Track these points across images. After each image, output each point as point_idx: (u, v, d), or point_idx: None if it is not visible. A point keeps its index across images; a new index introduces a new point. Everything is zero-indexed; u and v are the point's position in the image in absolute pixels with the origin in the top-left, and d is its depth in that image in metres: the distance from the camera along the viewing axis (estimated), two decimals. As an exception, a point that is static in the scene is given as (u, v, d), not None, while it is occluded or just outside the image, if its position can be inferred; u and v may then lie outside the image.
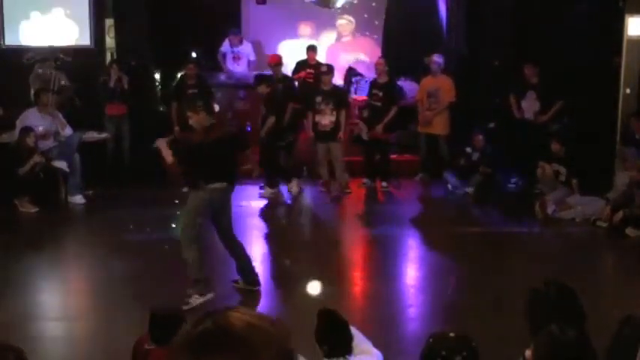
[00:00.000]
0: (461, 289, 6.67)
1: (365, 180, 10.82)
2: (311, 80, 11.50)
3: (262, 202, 10.00)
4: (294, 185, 10.27)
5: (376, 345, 3.79)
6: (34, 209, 9.28)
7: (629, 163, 9.17)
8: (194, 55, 11.60)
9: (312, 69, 11.65)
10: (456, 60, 11.79)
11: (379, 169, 10.82)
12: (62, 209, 9.59)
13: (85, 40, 11.01)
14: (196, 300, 5.97)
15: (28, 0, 11.06)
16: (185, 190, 6.94)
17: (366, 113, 10.92)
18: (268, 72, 10.70)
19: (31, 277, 6.96)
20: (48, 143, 9.74)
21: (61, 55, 10.76)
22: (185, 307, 5.56)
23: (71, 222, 9.33)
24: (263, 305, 6.33)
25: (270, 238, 8.73)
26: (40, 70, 10.72)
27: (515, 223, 9.00)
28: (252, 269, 6.47)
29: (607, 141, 9.95)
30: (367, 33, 13.64)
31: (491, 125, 10.68)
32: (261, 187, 10.47)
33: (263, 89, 10.03)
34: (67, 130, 9.95)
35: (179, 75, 11.18)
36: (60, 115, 10.00)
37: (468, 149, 10.44)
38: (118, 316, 5.83)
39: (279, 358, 1.50)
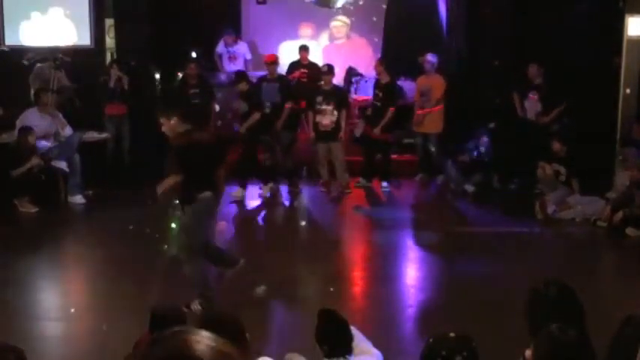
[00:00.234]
0: (461, 289, 6.67)
1: (360, 179, 10.81)
2: (305, 80, 11.51)
3: (262, 202, 10.02)
4: (267, 188, 10.10)
5: (376, 345, 3.80)
6: (34, 209, 9.28)
7: (629, 163, 9.17)
8: (194, 55, 11.61)
9: (305, 69, 11.67)
10: (456, 60, 11.80)
11: (380, 169, 10.82)
12: (62, 209, 9.59)
13: (85, 40, 11.01)
14: (198, 308, 5.93)
15: (28, 0, 11.06)
16: (175, 210, 6.62)
17: (369, 113, 10.94)
18: (265, 72, 10.67)
19: (31, 277, 6.96)
20: (48, 143, 9.75)
21: (61, 55, 10.75)
22: (185, 309, 5.54)
23: (71, 222, 9.33)
24: (263, 305, 6.33)
25: (270, 238, 8.73)
26: (40, 71, 10.72)
27: (515, 223, 9.00)
28: (208, 281, 6.21)
29: (607, 141, 9.95)
30: (366, 34, 13.64)
31: (491, 125, 10.69)
32: (261, 187, 10.48)
33: (243, 86, 9.98)
34: (67, 130, 9.95)
35: (180, 75, 11.18)
36: (60, 115, 10.00)
37: (472, 146, 10.45)
38: (117, 316, 5.83)
39: None
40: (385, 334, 5.39)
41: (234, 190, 9.76)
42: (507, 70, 11.04)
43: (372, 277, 7.36)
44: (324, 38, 13.84)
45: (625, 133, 9.94)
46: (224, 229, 8.28)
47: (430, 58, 10.83)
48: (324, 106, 10.18)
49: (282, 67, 11.51)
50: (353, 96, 12.14)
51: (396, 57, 11.88)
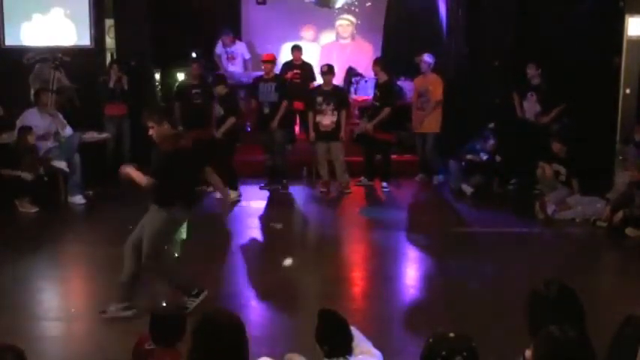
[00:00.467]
0: (460, 289, 6.67)
1: (361, 178, 10.82)
2: (298, 80, 11.50)
3: (262, 202, 10.02)
4: (234, 193, 9.85)
5: (376, 345, 3.79)
6: (34, 209, 9.29)
7: (629, 163, 9.17)
8: (194, 55, 11.63)
9: (298, 69, 11.67)
10: (456, 60, 11.80)
11: (379, 170, 10.83)
12: (62, 209, 9.59)
13: (85, 40, 11.02)
14: (193, 303, 5.93)
15: (28, 0, 11.06)
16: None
17: (369, 113, 10.97)
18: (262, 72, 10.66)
19: (31, 277, 6.96)
20: (48, 143, 9.75)
21: (61, 55, 10.76)
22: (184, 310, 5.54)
23: (71, 222, 9.33)
24: (263, 306, 6.34)
25: (268, 238, 8.72)
26: (40, 71, 10.72)
27: (515, 223, 9.00)
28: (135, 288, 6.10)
29: (607, 141, 9.95)
30: (366, 34, 13.65)
31: (491, 125, 10.70)
32: (260, 187, 10.49)
33: (220, 90, 9.93)
34: (67, 130, 9.95)
35: (182, 75, 11.19)
36: (60, 115, 10.00)
37: (480, 147, 10.45)
38: (118, 316, 5.82)
39: None
40: (385, 334, 5.39)
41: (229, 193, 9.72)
42: (507, 71, 11.04)
43: (371, 277, 7.35)
44: (324, 38, 13.85)
45: (625, 133, 9.94)
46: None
47: (427, 58, 10.84)
48: (324, 107, 10.19)
49: (279, 68, 11.53)
50: (353, 96, 12.15)
51: (396, 57, 11.89)
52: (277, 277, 6.85)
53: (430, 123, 10.87)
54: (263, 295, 6.52)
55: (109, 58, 11.27)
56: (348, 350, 3.61)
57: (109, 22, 11.24)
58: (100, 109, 10.69)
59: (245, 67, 12.80)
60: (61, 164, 9.66)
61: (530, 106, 10.57)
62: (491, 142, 10.44)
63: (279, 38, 13.24)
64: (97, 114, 10.68)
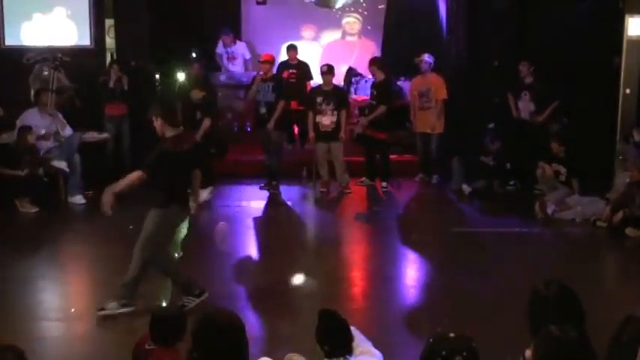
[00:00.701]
0: (460, 289, 6.66)
1: (363, 179, 10.83)
2: (294, 80, 11.50)
3: (262, 203, 10.02)
4: (205, 192, 9.54)
5: (376, 345, 3.79)
6: (34, 209, 9.28)
7: (629, 163, 9.17)
8: (194, 55, 11.64)
9: (293, 69, 11.66)
10: (456, 60, 11.80)
11: (379, 169, 10.83)
12: (62, 209, 9.59)
13: (85, 41, 11.03)
14: (192, 303, 5.93)
15: (29, 0, 11.06)
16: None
17: (366, 111, 10.98)
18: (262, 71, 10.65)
19: (31, 277, 6.95)
20: (48, 143, 9.75)
21: (61, 55, 10.76)
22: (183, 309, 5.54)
23: (71, 222, 9.32)
24: (263, 306, 6.33)
25: (268, 238, 8.73)
26: (40, 71, 10.72)
27: (515, 223, 9.00)
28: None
29: (607, 141, 9.95)
30: (370, 34, 13.67)
31: (491, 125, 10.71)
32: (260, 187, 10.48)
33: (196, 94, 9.79)
34: (67, 130, 9.95)
35: (182, 75, 11.18)
36: (60, 115, 10.01)
37: (489, 148, 10.46)
38: (118, 316, 5.82)
39: None
40: (385, 334, 5.39)
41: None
42: (507, 70, 11.05)
43: (371, 278, 7.35)
44: (325, 38, 13.86)
45: (625, 133, 9.94)
46: (224, 229, 8.27)
47: (427, 58, 10.85)
48: (324, 107, 10.19)
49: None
50: (353, 96, 12.16)
51: (396, 57, 11.89)
52: (277, 278, 6.85)
53: (434, 123, 10.87)
54: (263, 296, 6.52)
55: (109, 58, 11.27)
56: (349, 350, 3.61)
57: (109, 22, 11.25)
58: (100, 109, 10.69)
59: (245, 67, 12.80)
60: (61, 164, 9.66)
61: (525, 106, 10.58)
62: (497, 144, 10.43)
63: (280, 38, 13.25)
64: (97, 114, 10.68)
